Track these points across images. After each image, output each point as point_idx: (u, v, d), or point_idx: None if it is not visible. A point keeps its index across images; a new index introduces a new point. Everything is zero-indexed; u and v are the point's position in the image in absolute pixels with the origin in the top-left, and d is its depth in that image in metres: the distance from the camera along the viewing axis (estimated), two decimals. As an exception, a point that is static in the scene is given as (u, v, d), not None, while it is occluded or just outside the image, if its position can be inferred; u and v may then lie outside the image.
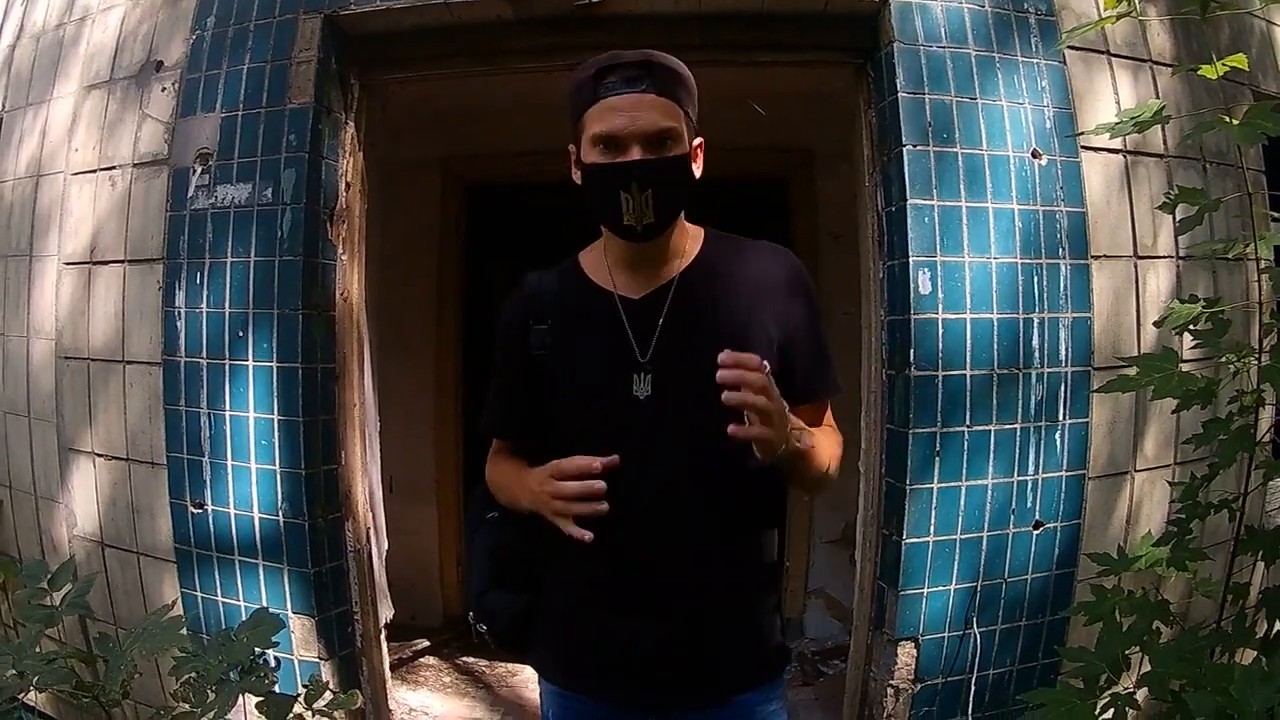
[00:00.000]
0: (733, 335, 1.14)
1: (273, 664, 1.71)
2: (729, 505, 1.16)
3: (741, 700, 1.20)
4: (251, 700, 1.56)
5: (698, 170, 1.17)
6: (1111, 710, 1.51)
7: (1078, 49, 1.99)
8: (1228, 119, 1.54)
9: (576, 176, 1.18)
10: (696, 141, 1.17)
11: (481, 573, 1.28)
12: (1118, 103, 2.04)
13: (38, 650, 1.56)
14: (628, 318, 1.17)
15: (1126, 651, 1.60)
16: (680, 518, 1.13)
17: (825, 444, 1.20)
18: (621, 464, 1.10)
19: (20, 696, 1.64)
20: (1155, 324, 1.96)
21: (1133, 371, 1.64)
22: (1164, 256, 2.09)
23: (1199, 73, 1.55)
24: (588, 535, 1.07)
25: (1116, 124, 1.67)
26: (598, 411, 1.17)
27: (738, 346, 1.12)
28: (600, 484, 1.07)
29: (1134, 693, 1.55)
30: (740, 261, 1.21)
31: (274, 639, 1.63)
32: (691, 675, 1.17)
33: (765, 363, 1.02)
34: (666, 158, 1.11)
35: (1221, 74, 1.52)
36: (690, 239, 1.22)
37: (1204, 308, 1.66)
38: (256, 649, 1.59)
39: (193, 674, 1.52)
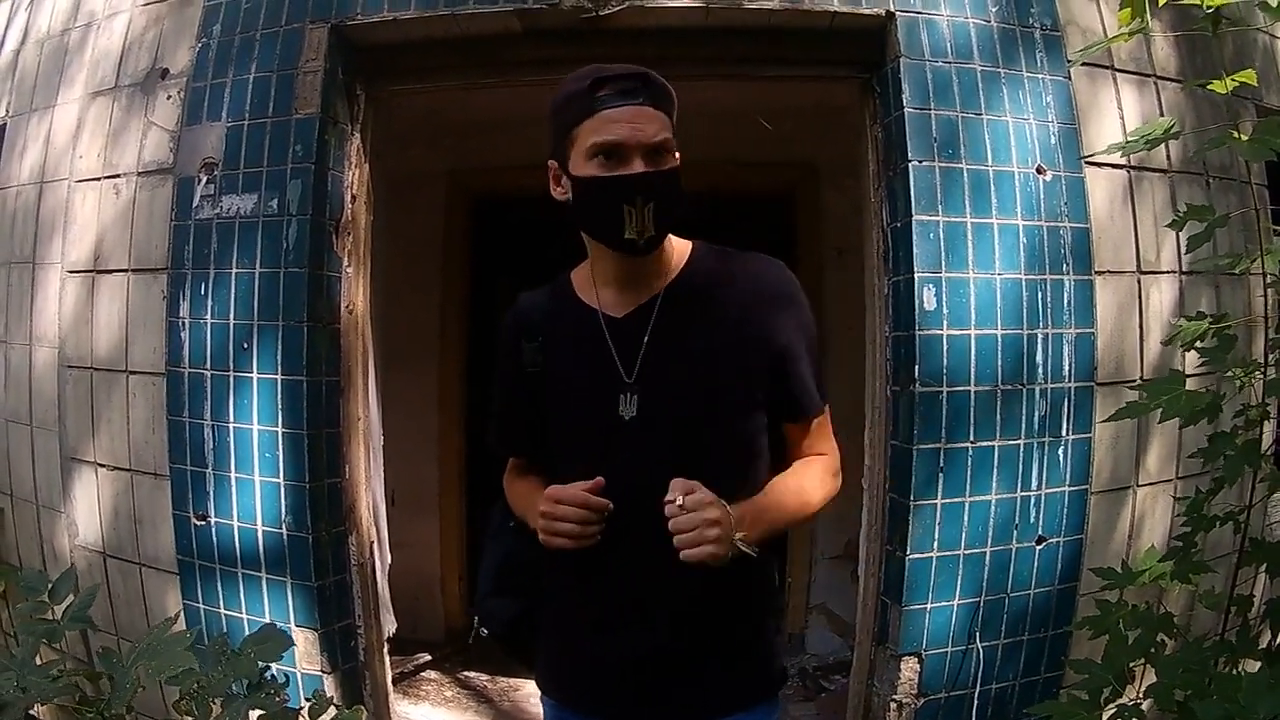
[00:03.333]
0: (716, 355, 1.14)
1: (282, 680, 1.71)
2: None
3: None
4: (256, 715, 1.56)
5: None
6: (1119, 721, 1.52)
7: (1082, 64, 2.00)
8: (1236, 134, 1.54)
9: (560, 192, 1.15)
10: (678, 155, 1.15)
11: (487, 577, 1.31)
12: (1122, 118, 2.05)
13: (39, 661, 1.55)
14: (611, 337, 1.16)
15: (1131, 664, 1.61)
16: (666, 537, 1.10)
17: (793, 487, 1.20)
18: (609, 483, 1.10)
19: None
20: (1164, 342, 1.97)
21: (1137, 396, 1.65)
22: (1167, 271, 2.09)
23: (1209, 88, 1.56)
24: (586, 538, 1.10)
25: (1128, 142, 1.68)
26: (587, 432, 1.17)
27: (720, 367, 1.14)
28: (595, 516, 1.09)
29: (1140, 703, 1.56)
30: (728, 276, 1.19)
31: (282, 655, 1.62)
32: (676, 693, 1.17)
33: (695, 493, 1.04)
34: (666, 170, 1.10)
35: (1231, 90, 1.53)
36: (678, 254, 1.20)
37: (1210, 324, 1.67)
38: (262, 663, 1.59)
39: (195, 685, 1.52)
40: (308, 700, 1.70)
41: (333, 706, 1.62)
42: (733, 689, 1.20)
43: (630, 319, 1.17)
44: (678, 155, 1.13)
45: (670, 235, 1.18)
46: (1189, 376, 1.77)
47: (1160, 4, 1.58)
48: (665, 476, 1.10)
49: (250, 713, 1.54)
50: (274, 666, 1.81)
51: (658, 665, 1.16)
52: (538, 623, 1.27)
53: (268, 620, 1.93)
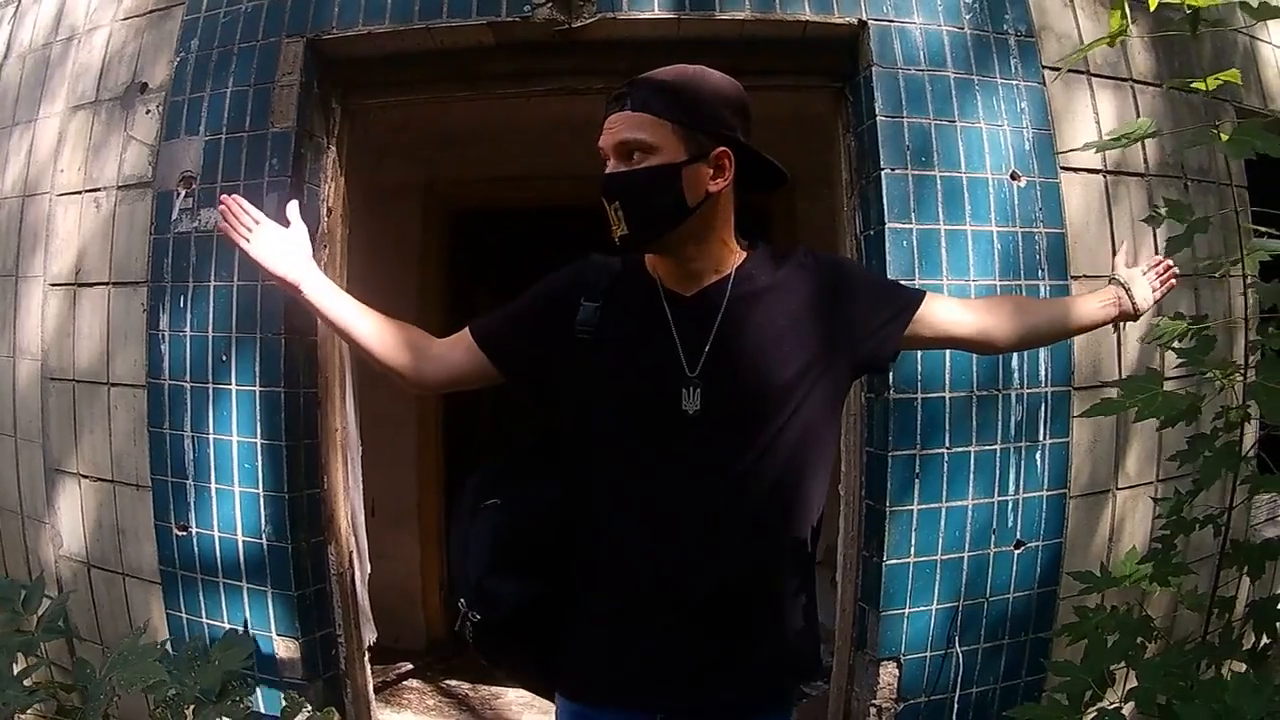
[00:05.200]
0: (784, 358, 1.14)
1: (255, 686, 1.72)
2: (774, 523, 1.16)
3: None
4: (228, 721, 1.57)
5: (717, 183, 1.13)
6: (1099, 725, 1.52)
7: (1057, 69, 2.00)
8: (1216, 134, 1.54)
9: None
10: (718, 150, 1.12)
11: (481, 557, 1.19)
12: (1098, 122, 2.05)
13: (16, 669, 1.56)
14: (675, 319, 1.15)
15: (1111, 668, 1.61)
16: (721, 538, 1.13)
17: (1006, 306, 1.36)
18: (663, 477, 1.12)
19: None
20: (1141, 339, 1.96)
21: (1115, 393, 1.65)
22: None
23: (1192, 87, 1.55)
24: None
25: (1102, 141, 1.67)
26: (643, 420, 1.14)
27: (788, 370, 1.14)
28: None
29: (1120, 707, 1.56)
30: (786, 276, 1.19)
31: (248, 657, 1.63)
32: (723, 685, 1.16)
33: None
34: (626, 170, 1.11)
35: (1214, 89, 1.52)
36: (733, 253, 1.19)
37: (1189, 325, 1.67)
38: (231, 669, 1.60)
39: (169, 694, 1.53)
40: (282, 709, 1.72)
41: (306, 709, 1.63)
42: (770, 688, 1.20)
43: (697, 300, 1.16)
44: (683, 150, 1.10)
45: (726, 238, 1.18)
46: (1169, 379, 1.77)
47: (1152, 8, 1.56)
48: (722, 475, 1.12)
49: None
50: (255, 674, 1.82)
51: (701, 657, 1.15)
52: (555, 610, 1.19)
53: (249, 630, 1.94)
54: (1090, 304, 1.41)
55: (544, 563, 1.20)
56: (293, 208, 1.32)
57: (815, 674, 1.29)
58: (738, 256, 1.19)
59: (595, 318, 1.17)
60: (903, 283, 1.36)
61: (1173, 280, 1.45)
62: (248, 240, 1.27)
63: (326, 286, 1.30)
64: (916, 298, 1.26)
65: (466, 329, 1.30)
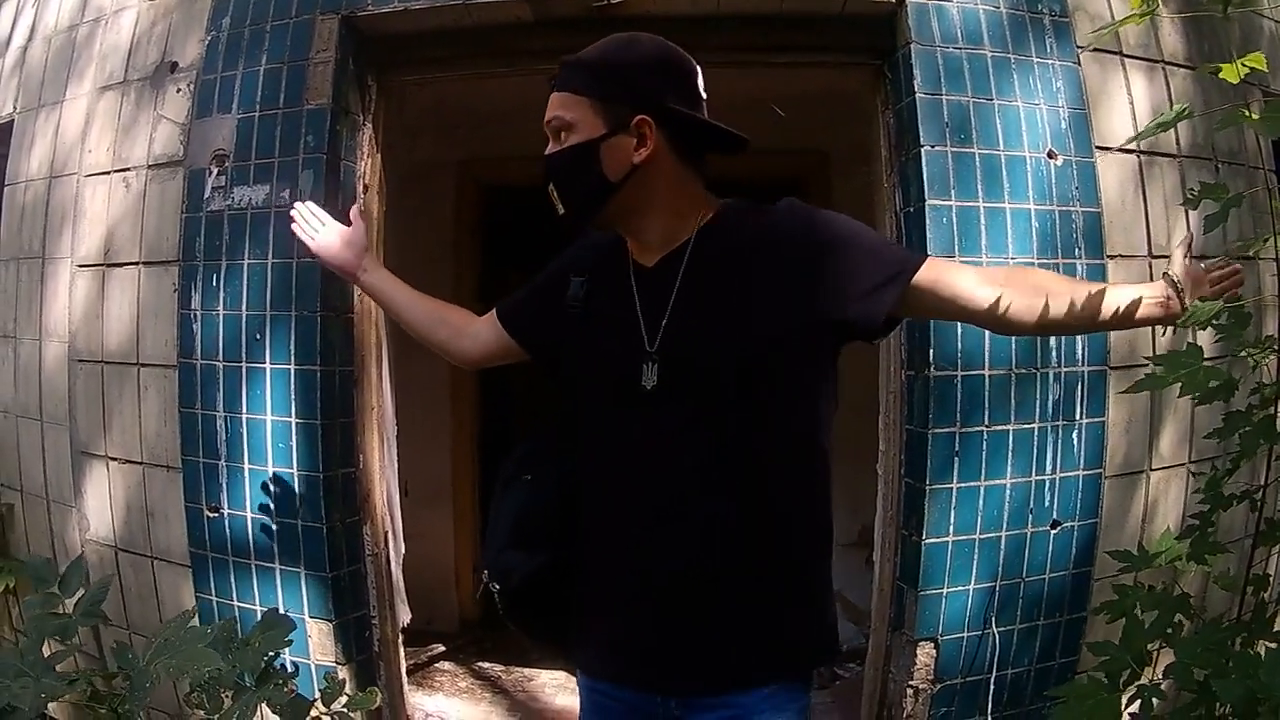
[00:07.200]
0: (748, 325, 1.08)
1: (290, 669, 1.70)
2: (739, 502, 1.10)
3: (740, 698, 1.13)
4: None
5: (641, 153, 1.09)
6: (1138, 702, 1.52)
7: (1092, 50, 2.00)
8: (1247, 114, 1.54)
9: None
10: (637, 119, 1.08)
11: (503, 529, 1.21)
12: (1131, 103, 2.05)
13: (47, 651, 1.52)
14: (639, 291, 1.14)
15: (1148, 647, 1.61)
16: (685, 517, 1.10)
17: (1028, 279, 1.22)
18: (627, 460, 1.12)
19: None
20: (1179, 323, 1.96)
21: (1152, 368, 1.65)
22: (1178, 256, 2.09)
23: (1220, 74, 1.56)
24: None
25: (1142, 131, 1.67)
26: (612, 398, 1.14)
27: (752, 339, 1.08)
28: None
29: (1160, 684, 1.56)
30: (760, 231, 1.13)
31: (289, 639, 1.60)
32: (692, 665, 1.12)
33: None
34: (554, 151, 1.13)
35: (1243, 75, 1.53)
36: (688, 221, 1.14)
37: (1224, 304, 1.66)
38: (270, 653, 1.56)
39: (207, 677, 1.49)
40: (321, 690, 1.70)
41: (346, 692, 1.61)
42: (744, 664, 1.13)
43: (657, 271, 1.14)
44: (603, 124, 1.09)
45: (679, 201, 1.14)
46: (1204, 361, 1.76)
47: None
48: (684, 453, 1.08)
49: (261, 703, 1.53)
50: (286, 657, 1.80)
51: (667, 637, 1.12)
52: (563, 579, 1.19)
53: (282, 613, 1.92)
54: (1134, 298, 1.20)
55: (555, 538, 1.19)
56: (354, 210, 1.56)
57: (810, 661, 1.25)
58: (697, 223, 1.14)
59: (581, 292, 1.18)
60: (904, 246, 1.35)
61: (1236, 291, 1.27)
62: (313, 239, 1.51)
63: (379, 278, 1.48)
64: (914, 261, 1.13)
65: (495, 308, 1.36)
